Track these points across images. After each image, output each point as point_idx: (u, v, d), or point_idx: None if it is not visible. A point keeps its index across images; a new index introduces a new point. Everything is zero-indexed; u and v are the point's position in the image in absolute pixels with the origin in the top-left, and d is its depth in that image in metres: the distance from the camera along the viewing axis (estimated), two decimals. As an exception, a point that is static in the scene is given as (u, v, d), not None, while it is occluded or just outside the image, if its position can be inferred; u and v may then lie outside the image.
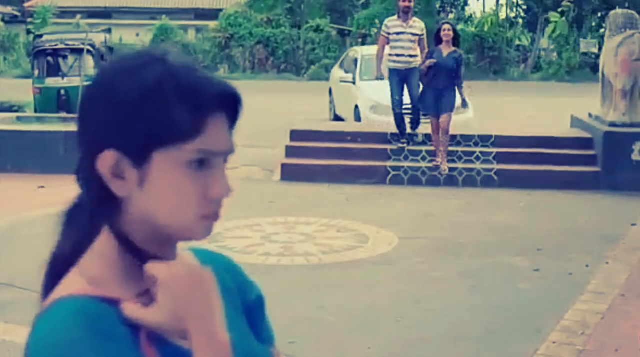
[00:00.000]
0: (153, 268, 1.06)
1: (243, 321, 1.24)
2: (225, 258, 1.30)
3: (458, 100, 10.58)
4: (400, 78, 10.83)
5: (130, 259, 1.09)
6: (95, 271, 1.08)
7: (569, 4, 9.45)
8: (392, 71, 10.91)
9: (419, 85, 10.76)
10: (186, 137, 1.04)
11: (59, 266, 1.11)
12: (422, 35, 10.97)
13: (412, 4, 11.02)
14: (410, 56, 10.80)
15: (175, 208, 1.06)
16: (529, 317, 5.78)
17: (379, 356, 5.12)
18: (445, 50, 10.33)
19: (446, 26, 10.58)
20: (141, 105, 1.04)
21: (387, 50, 10.98)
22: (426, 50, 10.88)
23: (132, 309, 1.05)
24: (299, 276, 6.76)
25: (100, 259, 1.09)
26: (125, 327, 1.04)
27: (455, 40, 10.39)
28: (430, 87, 10.27)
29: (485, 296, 6.27)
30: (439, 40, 10.41)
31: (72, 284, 1.07)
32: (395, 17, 11.15)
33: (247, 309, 1.27)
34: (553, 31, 10.29)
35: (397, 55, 10.83)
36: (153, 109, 1.04)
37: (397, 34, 10.83)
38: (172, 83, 1.04)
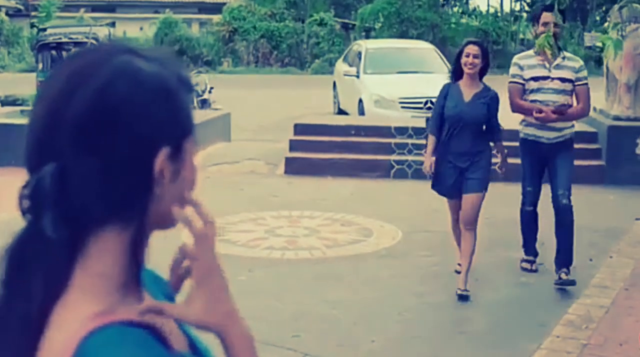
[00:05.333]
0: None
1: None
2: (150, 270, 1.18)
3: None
4: (539, 155, 6.54)
5: (129, 272, 1.03)
6: (104, 294, 1.00)
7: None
8: (525, 142, 6.62)
9: (571, 172, 6.49)
10: (193, 123, 1.09)
11: (32, 317, 0.99)
12: (581, 81, 6.42)
13: (558, 29, 6.63)
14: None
15: (187, 198, 1.07)
16: (533, 311, 5.79)
17: (382, 350, 5.13)
18: (468, 90, 6.21)
19: (471, 48, 6.15)
20: (168, 98, 1.05)
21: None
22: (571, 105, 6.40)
23: (172, 308, 1.04)
24: (302, 269, 6.76)
25: (104, 281, 1.00)
26: (167, 349, 1.01)
27: (485, 70, 6.27)
28: (447, 154, 6.24)
29: (489, 290, 6.28)
30: (458, 73, 6.26)
31: (87, 316, 0.97)
32: (531, 51, 6.64)
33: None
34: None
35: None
36: (176, 100, 1.06)
37: (536, 79, 6.44)
38: (174, 74, 1.07)
